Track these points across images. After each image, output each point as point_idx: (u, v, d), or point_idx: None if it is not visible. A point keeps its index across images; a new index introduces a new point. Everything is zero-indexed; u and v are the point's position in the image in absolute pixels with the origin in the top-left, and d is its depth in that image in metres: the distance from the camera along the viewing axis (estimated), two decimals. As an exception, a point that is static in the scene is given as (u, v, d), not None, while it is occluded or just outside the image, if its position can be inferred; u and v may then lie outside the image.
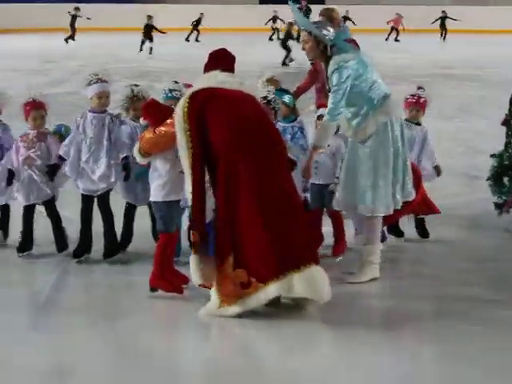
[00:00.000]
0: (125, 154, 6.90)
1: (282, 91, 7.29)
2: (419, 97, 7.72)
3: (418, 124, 7.77)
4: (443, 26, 37.68)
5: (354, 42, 6.76)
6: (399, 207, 6.59)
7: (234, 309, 5.72)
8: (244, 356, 5.40)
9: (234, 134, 5.74)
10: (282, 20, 34.33)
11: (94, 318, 5.96)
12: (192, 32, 37.64)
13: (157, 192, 6.21)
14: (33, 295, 6.51)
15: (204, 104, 5.84)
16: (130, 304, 6.23)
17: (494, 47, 33.19)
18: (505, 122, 8.21)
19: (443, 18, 37.77)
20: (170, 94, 6.86)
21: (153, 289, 6.28)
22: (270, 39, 36.39)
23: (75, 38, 35.17)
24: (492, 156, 8.37)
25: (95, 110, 7.07)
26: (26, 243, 7.23)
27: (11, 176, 7.21)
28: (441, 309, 6.23)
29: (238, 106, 5.87)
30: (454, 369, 5.13)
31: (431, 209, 7.37)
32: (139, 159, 6.32)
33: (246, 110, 5.87)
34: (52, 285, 6.54)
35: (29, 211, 7.24)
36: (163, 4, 43.54)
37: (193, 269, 5.83)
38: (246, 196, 5.65)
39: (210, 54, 6.15)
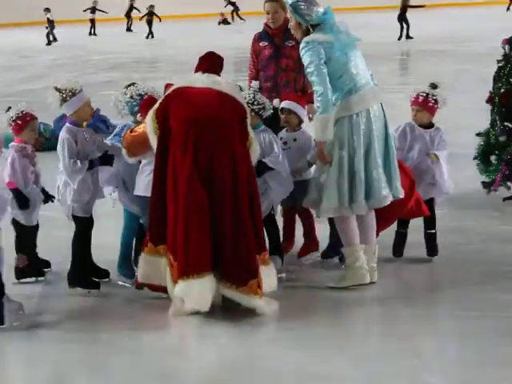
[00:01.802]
0: None
1: None
2: (426, 95, 6.64)
3: (425, 127, 6.73)
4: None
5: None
6: (383, 205, 6.14)
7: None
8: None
9: (181, 124, 5.76)
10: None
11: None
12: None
13: (148, 187, 6.07)
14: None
15: (169, 102, 5.88)
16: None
17: (464, 21, 33.17)
18: (489, 100, 8.09)
19: None
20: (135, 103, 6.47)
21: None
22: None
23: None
24: (478, 135, 8.25)
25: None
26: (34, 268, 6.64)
27: (25, 200, 6.37)
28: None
29: (195, 100, 5.84)
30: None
31: (421, 211, 6.64)
32: (128, 160, 6.20)
33: (202, 104, 5.82)
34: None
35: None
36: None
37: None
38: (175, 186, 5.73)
39: (199, 58, 6.13)
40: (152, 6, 35.19)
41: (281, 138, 6.75)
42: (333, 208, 6.11)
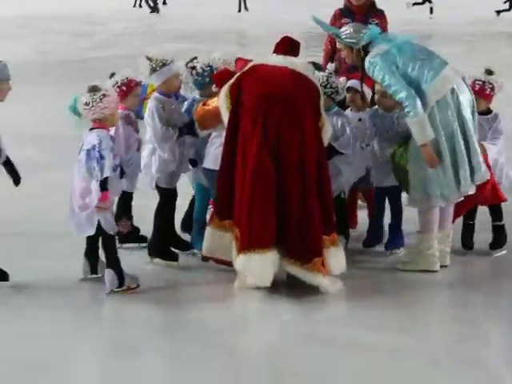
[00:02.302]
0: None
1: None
2: (483, 83, 6.42)
3: (484, 113, 6.47)
4: None
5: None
6: (469, 193, 6.09)
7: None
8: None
9: (254, 100, 5.77)
10: None
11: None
12: None
13: (217, 160, 6.07)
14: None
15: (243, 78, 5.90)
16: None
17: None
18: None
19: None
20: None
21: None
22: None
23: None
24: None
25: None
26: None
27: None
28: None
29: (269, 77, 5.87)
30: None
31: (498, 197, 6.44)
32: (199, 132, 6.20)
33: (275, 81, 5.83)
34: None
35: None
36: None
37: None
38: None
39: (276, 43, 6.15)
40: None
41: None
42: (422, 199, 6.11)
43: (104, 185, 5.66)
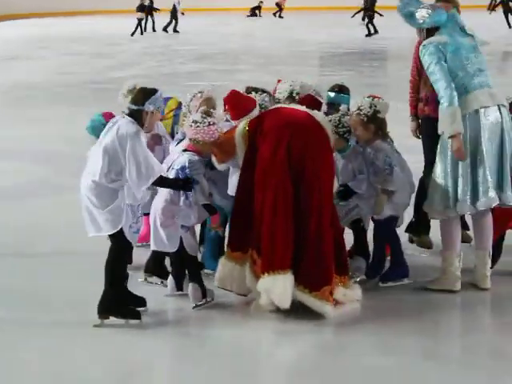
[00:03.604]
0: None
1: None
2: None
3: None
4: None
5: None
6: (488, 206, 6.01)
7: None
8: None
9: (275, 126, 5.77)
10: None
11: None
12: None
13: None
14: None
15: (263, 114, 5.97)
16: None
17: None
18: None
19: None
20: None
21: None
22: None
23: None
24: None
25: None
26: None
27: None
28: None
29: (289, 112, 5.92)
30: None
31: None
32: (218, 166, 6.09)
33: (296, 115, 5.88)
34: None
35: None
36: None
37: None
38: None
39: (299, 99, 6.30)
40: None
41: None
42: (437, 210, 6.10)
43: (210, 208, 5.96)
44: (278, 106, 6.11)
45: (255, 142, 5.83)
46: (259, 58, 22.40)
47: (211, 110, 6.01)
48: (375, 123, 6.25)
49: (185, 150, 5.96)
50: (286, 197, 5.67)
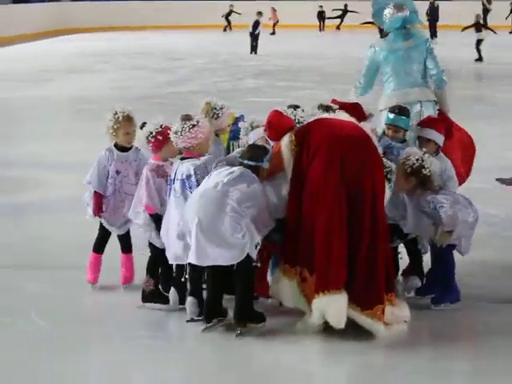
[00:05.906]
0: None
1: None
2: None
3: None
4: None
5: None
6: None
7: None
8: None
9: (326, 140, 5.72)
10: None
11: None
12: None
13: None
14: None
15: (310, 125, 5.89)
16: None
17: None
18: None
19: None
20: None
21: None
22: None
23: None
24: None
25: None
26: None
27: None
28: None
29: (339, 124, 5.85)
30: None
31: None
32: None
33: (346, 126, 5.82)
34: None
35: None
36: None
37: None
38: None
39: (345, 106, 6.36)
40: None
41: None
42: None
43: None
44: (322, 116, 5.99)
45: (302, 155, 5.75)
46: (318, 75, 22.36)
47: (188, 114, 5.87)
48: (417, 177, 6.03)
49: (183, 158, 5.87)
50: (342, 217, 5.59)
